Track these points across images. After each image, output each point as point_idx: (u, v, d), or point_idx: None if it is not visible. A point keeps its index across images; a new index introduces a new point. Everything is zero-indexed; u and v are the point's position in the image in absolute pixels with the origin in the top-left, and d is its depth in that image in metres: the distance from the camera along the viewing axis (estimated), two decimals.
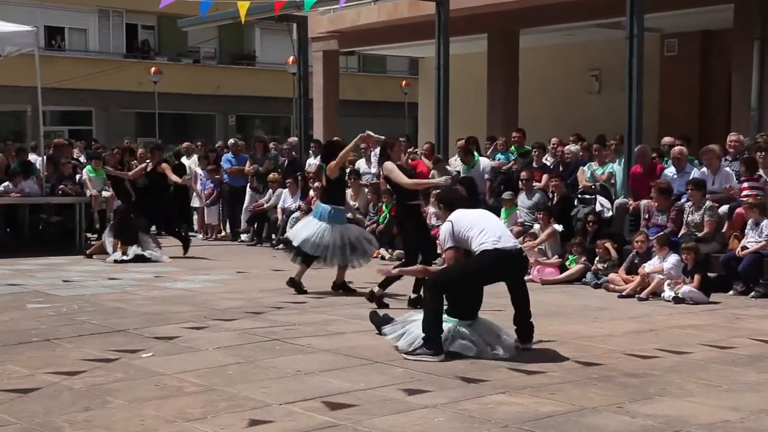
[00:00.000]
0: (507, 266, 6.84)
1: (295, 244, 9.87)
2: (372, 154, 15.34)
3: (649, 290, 9.84)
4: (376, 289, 9.03)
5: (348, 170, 15.15)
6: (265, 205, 15.73)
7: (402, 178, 8.95)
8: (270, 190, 15.82)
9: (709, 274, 10.02)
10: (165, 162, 17.12)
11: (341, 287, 10.01)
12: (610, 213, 12.14)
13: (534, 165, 13.58)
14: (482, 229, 6.83)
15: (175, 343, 7.19)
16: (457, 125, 15.64)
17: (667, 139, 13.21)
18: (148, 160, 14.29)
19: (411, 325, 6.88)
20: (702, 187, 10.81)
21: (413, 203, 9.09)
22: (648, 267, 10.06)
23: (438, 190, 9.02)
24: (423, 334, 6.64)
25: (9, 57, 15.79)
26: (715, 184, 11.23)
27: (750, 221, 10.22)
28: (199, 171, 17.00)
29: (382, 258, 12.98)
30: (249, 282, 10.98)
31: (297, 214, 14.42)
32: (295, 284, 9.90)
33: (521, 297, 7.04)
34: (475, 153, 14.17)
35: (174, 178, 13.83)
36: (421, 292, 8.58)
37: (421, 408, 5.34)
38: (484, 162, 14.03)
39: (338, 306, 9.08)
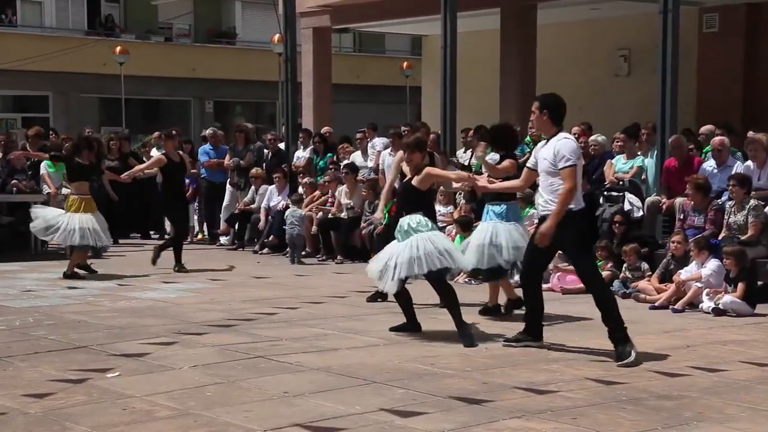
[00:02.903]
0: None
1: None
2: (369, 145, 15.37)
3: (686, 300, 9.86)
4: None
5: (343, 164, 15.20)
6: (253, 206, 15.68)
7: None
8: (252, 187, 15.82)
9: (755, 283, 10.03)
10: (133, 156, 17.20)
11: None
12: (641, 213, 12.17)
13: None
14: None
15: (144, 361, 7.20)
16: (465, 113, 15.63)
17: (706, 128, 13.23)
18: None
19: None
20: (746, 184, 10.83)
21: None
22: (684, 274, 10.07)
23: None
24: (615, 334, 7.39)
25: None
26: (762, 180, 11.25)
27: None
28: None
29: None
30: (229, 291, 11.00)
31: (298, 211, 14.11)
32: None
33: None
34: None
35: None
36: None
37: None
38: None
39: (331, 318, 9.10)
